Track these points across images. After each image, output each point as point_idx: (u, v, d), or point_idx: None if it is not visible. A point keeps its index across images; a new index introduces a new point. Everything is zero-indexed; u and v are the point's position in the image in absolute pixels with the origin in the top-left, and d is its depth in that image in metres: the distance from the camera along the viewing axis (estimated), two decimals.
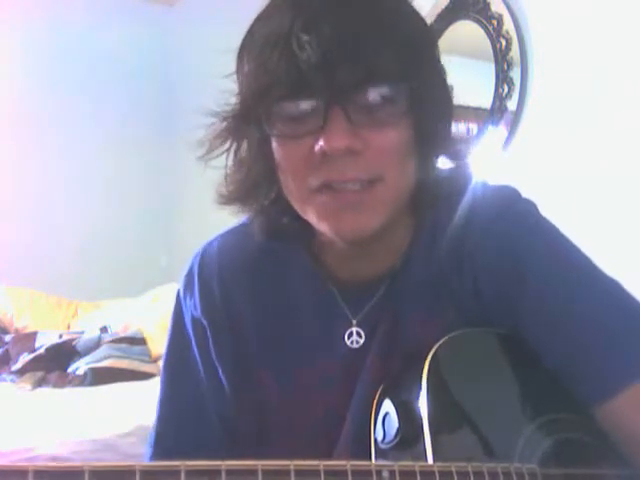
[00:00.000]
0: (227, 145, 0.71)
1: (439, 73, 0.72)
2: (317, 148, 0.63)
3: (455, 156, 0.74)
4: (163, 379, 0.85)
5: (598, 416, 0.66)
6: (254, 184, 0.73)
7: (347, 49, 0.61)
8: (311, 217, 0.69)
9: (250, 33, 0.68)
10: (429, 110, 0.67)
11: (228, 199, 0.74)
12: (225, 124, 0.70)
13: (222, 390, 0.80)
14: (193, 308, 0.80)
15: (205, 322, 0.79)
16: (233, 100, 0.69)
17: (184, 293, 0.82)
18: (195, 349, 0.81)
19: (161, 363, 0.87)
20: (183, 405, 0.82)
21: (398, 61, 0.63)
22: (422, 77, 0.65)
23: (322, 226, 0.68)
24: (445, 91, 0.72)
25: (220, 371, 0.79)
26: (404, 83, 0.64)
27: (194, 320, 0.80)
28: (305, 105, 0.64)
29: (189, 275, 0.82)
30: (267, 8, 0.68)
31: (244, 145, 0.72)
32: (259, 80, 0.64)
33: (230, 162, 0.73)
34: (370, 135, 0.64)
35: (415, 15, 0.70)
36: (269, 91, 0.64)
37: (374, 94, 0.64)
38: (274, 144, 0.68)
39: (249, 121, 0.68)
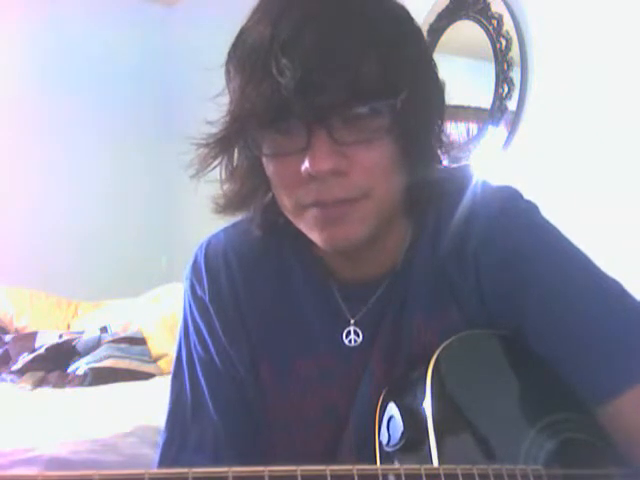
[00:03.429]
0: (218, 161, 0.71)
1: (429, 75, 0.70)
2: (303, 169, 0.63)
3: (450, 160, 0.74)
4: (174, 376, 0.83)
5: (601, 416, 0.66)
6: (248, 195, 0.74)
7: (327, 70, 0.60)
8: (302, 228, 0.70)
9: (234, 45, 0.67)
10: (418, 119, 0.66)
11: (225, 208, 0.75)
12: (212, 145, 0.69)
13: (239, 374, 0.79)
14: (203, 294, 0.80)
15: (213, 308, 0.80)
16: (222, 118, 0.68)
17: (191, 282, 0.82)
18: (207, 338, 0.80)
19: (172, 363, 0.85)
20: (192, 404, 0.80)
21: (382, 76, 0.62)
22: (409, 86, 0.64)
23: (313, 237, 0.69)
24: (436, 92, 0.71)
25: (236, 360, 0.79)
26: (389, 99, 0.63)
27: (204, 307, 0.80)
28: (288, 126, 0.64)
29: (195, 264, 0.82)
30: (250, 18, 0.67)
31: (234, 159, 0.72)
32: (240, 107, 0.64)
33: (223, 175, 0.73)
34: (355, 152, 0.64)
35: (399, 13, 0.68)
36: (250, 118, 0.64)
37: (357, 112, 0.63)
38: (264, 160, 0.68)
39: (234, 143, 0.69)
